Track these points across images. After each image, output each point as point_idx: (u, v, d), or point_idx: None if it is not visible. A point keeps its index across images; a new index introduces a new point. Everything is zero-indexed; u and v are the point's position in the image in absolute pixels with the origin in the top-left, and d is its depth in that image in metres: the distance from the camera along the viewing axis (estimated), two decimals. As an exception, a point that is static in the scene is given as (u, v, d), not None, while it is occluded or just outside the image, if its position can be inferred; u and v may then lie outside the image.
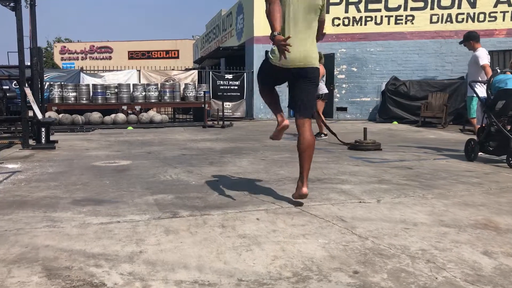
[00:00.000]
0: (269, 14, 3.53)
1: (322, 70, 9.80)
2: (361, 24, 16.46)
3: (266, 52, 3.82)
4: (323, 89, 9.95)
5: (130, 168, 5.87)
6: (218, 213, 3.51)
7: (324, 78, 10.11)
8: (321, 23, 3.89)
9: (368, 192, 4.33)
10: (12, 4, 7.60)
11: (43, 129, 7.92)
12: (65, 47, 39.54)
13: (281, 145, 8.57)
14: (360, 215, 3.49)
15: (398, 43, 16.27)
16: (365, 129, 8.47)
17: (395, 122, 14.83)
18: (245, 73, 17.43)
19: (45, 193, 4.32)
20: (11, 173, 5.44)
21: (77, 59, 37.95)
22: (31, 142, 8.88)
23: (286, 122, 3.96)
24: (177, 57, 38.66)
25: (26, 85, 8.77)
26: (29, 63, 9.61)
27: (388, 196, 4.16)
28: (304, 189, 3.73)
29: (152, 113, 15.50)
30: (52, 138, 9.91)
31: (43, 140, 7.97)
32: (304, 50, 3.68)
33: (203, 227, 3.16)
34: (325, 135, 10.15)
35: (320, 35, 3.96)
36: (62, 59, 38.66)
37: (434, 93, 14.43)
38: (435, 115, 13.98)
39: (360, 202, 3.93)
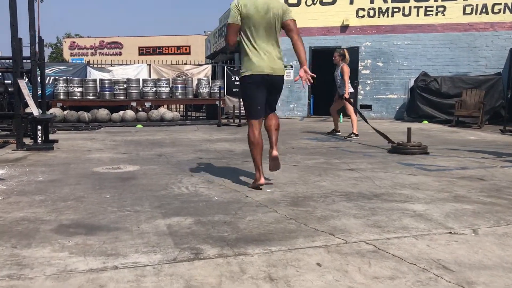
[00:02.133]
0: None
1: (347, 69, 9.25)
2: (387, 16, 15.28)
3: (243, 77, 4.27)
4: (349, 88, 9.37)
5: (137, 175, 4.83)
6: (259, 253, 2.45)
7: (348, 80, 9.43)
8: (287, 25, 4.22)
9: (452, 216, 3.23)
10: (3, -17, 6.61)
11: (39, 127, 6.92)
12: (74, 42, 38.77)
13: (309, 147, 7.50)
14: (464, 256, 2.41)
15: (427, 36, 15.07)
16: (409, 129, 7.33)
17: (425, 121, 13.66)
18: (261, 68, 16.33)
19: (24, 212, 3.29)
20: (-9, 181, 4.43)
21: (87, 54, 37.12)
22: (28, 141, 7.90)
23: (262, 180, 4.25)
24: (189, 53, 37.68)
25: (24, 77, 7.81)
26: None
27: (483, 222, 3.07)
28: (275, 152, 4.49)
29: (163, 110, 14.49)
30: (52, 136, 8.93)
31: (39, 140, 6.97)
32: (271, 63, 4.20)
33: (241, 280, 2.10)
34: (356, 135, 9.26)
35: (295, 36, 4.23)
36: (71, 54, 37.87)
37: (468, 90, 13.23)
38: (470, 114, 12.78)
39: (451, 233, 2.84)
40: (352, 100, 9.61)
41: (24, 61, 9.45)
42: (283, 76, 4.43)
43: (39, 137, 6.96)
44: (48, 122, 7.53)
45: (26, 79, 8.98)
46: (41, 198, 3.75)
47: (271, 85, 4.28)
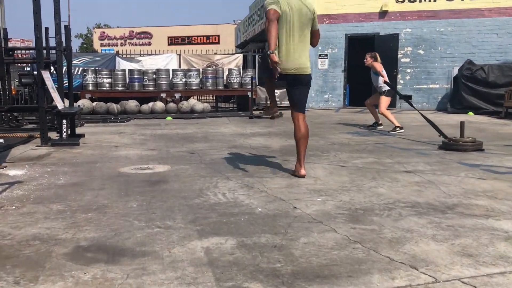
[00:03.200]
0: (267, 32, 4.24)
1: (379, 65, 8.94)
2: (429, 0, 14.35)
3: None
4: (385, 87, 9.00)
5: (168, 178, 4.32)
6: (327, 298, 1.88)
7: (384, 73, 9.02)
8: (314, 33, 4.53)
9: (558, 240, 2.59)
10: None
11: (64, 122, 6.51)
12: (104, 32, 38.79)
13: (352, 142, 6.87)
14: None
15: (473, 22, 14.07)
16: (462, 123, 6.64)
17: (471, 113, 12.76)
18: (294, 57, 15.65)
19: (38, 228, 2.81)
20: (8, 185, 4.00)
21: (116, 45, 37.08)
22: (54, 135, 7.53)
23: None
24: (218, 43, 37.20)
25: (50, 68, 7.42)
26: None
27: None
28: (303, 171, 4.34)
29: (193, 102, 14.02)
30: (79, 130, 8.56)
31: (64, 135, 6.56)
32: (299, 63, 4.41)
33: None
34: (401, 128, 8.71)
35: (314, 42, 4.59)
36: (101, 45, 37.91)
37: (520, 79, 12.26)
38: (522, 105, 11.84)
39: None
40: (389, 97, 9.10)
41: (53, 51, 9.13)
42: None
43: (64, 132, 6.55)
44: (74, 115, 7.13)
45: (53, 70, 8.63)
46: (59, 207, 3.28)
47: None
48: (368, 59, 9.33)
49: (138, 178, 4.31)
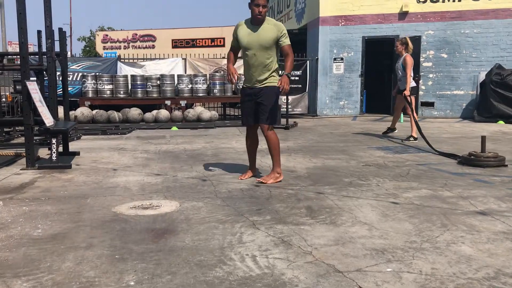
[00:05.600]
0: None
1: (410, 61, 8.04)
2: (454, 0, 13.35)
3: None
4: (411, 83, 8.13)
5: (177, 225, 3.34)
6: None
7: (411, 72, 8.20)
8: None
9: None
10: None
11: (54, 141, 5.54)
12: (107, 35, 37.95)
13: (388, 163, 5.88)
14: None
15: (501, 23, 13.06)
16: (483, 137, 5.96)
17: (501, 122, 11.76)
18: (307, 61, 14.70)
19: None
20: (-34, 238, 3.02)
21: (119, 48, 36.20)
22: (46, 152, 6.58)
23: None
24: (223, 45, 36.28)
25: (43, 75, 6.46)
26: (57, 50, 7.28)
27: None
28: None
29: (200, 109, 13.05)
30: (75, 145, 7.66)
31: (54, 156, 5.59)
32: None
33: None
34: (415, 138, 8.06)
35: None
36: (104, 48, 37.04)
37: (556, 86, 11.25)
38: (560, 114, 10.84)
39: None
40: (412, 97, 8.31)
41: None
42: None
43: (54, 152, 5.58)
44: (67, 132, 6.17)
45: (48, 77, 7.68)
46: (24, 286, 2.30)
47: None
48: (398, 46, 8.38)
49: (138, 226, 3.33)
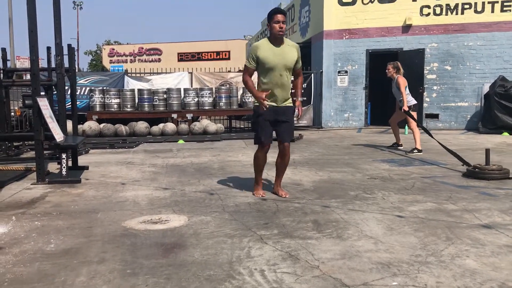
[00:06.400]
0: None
1: (402, 81, 8.41)
2: (457, 13, 13.47)
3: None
4: (410, 100, 8.47)
5: (186, 239, 3.41)
6: None
7: (407, 89, 8.49)
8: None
9: None
10: (19, -20, 5.37)
11: (64, 156, 5.64)
12: (113, 49, 38.39)
13: (393, 176, 5.93)
14: None
15: (505, 35, 13.15)
16: (487, 150, 6.09)
17: (506, 133, 11.79)
18: (312, 74, 14.82)
19: None
20: (-19, 253, 3.10)
21: (126, 61, 36.60)
22: (55, 167, 6.68)
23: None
24: (228, 58, 36.64)
25: (53, 91, 6.58)
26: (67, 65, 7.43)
27: None
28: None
29: (206, 122, 13.17)
30: (83, 159, 7.75)
31: (64, 171, 5.69)
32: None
33: None
34: (420, 151, 8.24)
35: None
36: (110, 62, 37.46)
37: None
38: None
39: None
40: (414, 112, 8.50)
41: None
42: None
43: (64, 167, 5.68)
44: (76, 147, 6.27)
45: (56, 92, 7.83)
46: (40, 300, 2.38)
47: None
48: (390, 69, 8.72)
49: (148, 240, 3.40)
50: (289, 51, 4.65)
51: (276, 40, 4.62)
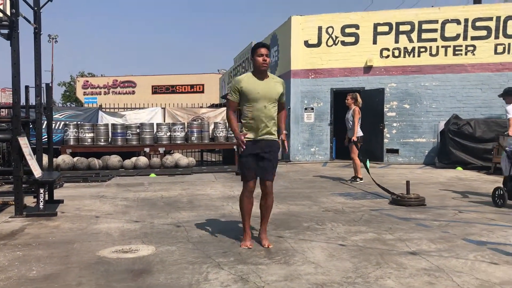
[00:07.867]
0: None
1: (358, 112, 9.58)
2: (413, 56, 14.52)
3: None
4: (359, 131, 9.65)
5: (152, 266, 3.92)
6: None
7: (360, 121, 9.72)
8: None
9: None
10: (5, 31, 5.91)
11: (41, 191, 6.08)
12: (87, 81, 38.69)
13: (346, 208, 6.56)
14: None
15: (457, 77, 14.24)
16: (407, 182, 7.32)
17: (459, 168, 12.67)
18: (280, 110, 15.55)
19: None
20: (-29, 279, 3.55)
21: (100, 93, 36.94)
22: (31, 200, 7.07)
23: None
24: (202, 92, 37.39)
25: (30, 127, 7.03)
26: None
27: None
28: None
29: (178, 156, 13.69)
30: (58, 193, 8.13)
31: (41, 205, 6.12)
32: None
33: None
34: (361, 179, 9.54)
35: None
36: (84, 93, 37.74)
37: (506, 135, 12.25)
38: (510, 161, 11.76)
39: None
40: (359, 144, 9.66)
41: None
42: None
43: (41, 201, 6.11)
44: (53, 183, 6.71)
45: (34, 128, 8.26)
46: (28, 316, 2.85)
47: None
48: (349, 99, 10.07)
49: (119, 267, 3.89)
50: (274, 85, 4.57)
51: (260, 73, 4.53)
